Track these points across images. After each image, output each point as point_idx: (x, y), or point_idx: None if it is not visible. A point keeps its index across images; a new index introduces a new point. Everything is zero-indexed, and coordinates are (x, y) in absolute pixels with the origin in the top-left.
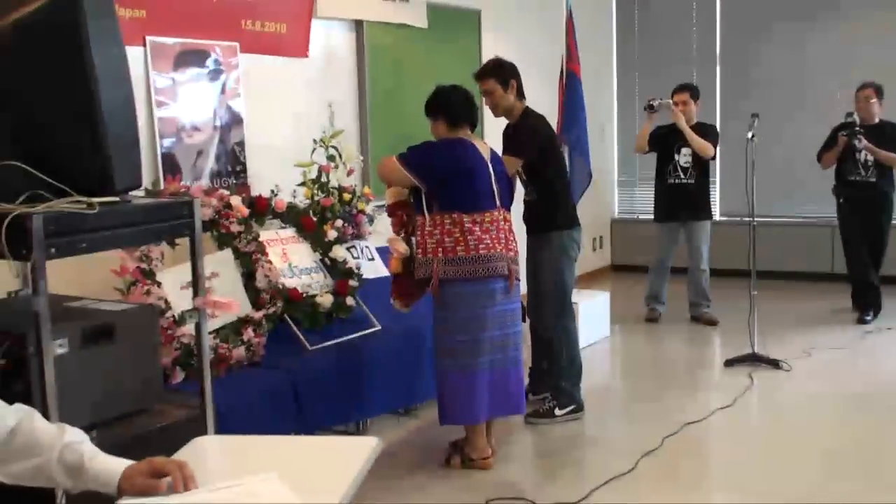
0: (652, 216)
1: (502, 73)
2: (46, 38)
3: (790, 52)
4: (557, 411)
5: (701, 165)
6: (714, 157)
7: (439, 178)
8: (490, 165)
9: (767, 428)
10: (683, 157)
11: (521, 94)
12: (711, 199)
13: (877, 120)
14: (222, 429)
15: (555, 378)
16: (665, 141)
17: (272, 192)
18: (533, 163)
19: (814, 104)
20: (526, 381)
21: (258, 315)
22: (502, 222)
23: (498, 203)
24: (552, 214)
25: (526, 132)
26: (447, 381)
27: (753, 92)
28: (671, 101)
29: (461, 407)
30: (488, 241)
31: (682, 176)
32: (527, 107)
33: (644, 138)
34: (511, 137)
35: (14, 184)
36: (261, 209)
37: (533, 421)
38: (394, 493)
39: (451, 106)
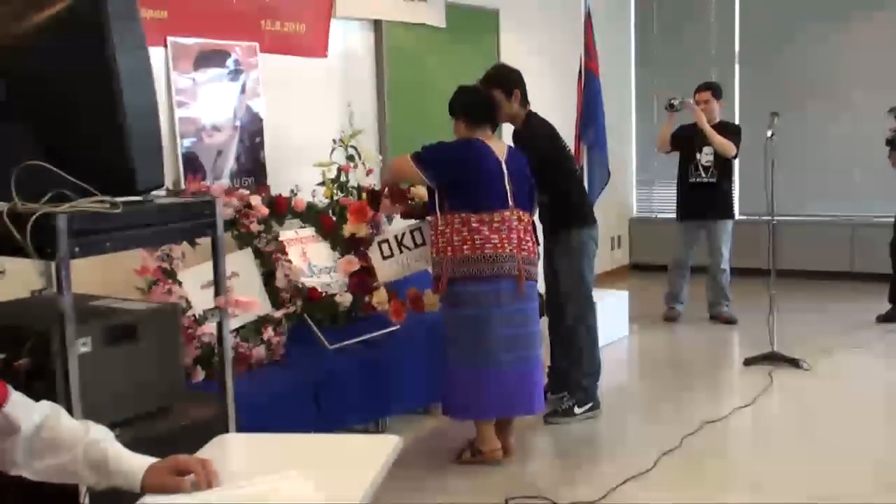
0: (670, 215)
1: (506, 83)
2: (71, 39)
3: (810, 50)
4: (577, 409)
5: (723, 164)
6: (736, 157)
7: (450, 177)
8: (505, 166)
9: (787, 427)
10: (705, 157)
11: (524, 101)
12: (733, 199)
13: None
14: (243, 427)
15: (576, 376)
16: (687, 140)
17: (292, 191)
18: (534, 167)
19: (835, 102)
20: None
21: (278, 314)
22: (515, 222)
23: (511, 203)
24: (565, 214)
25: (526, 139)
26: (454, 378)
27: (773, 91)
28: (692, 101)
29: (468, 403)
30: (496, 241)
31: (704, 175)
32: (529, 112)
33: (666, 138)
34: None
35: (38, 183)
36: (280, 209)
37: (552, 420)
38: (413, 491)
39: (471, 106)
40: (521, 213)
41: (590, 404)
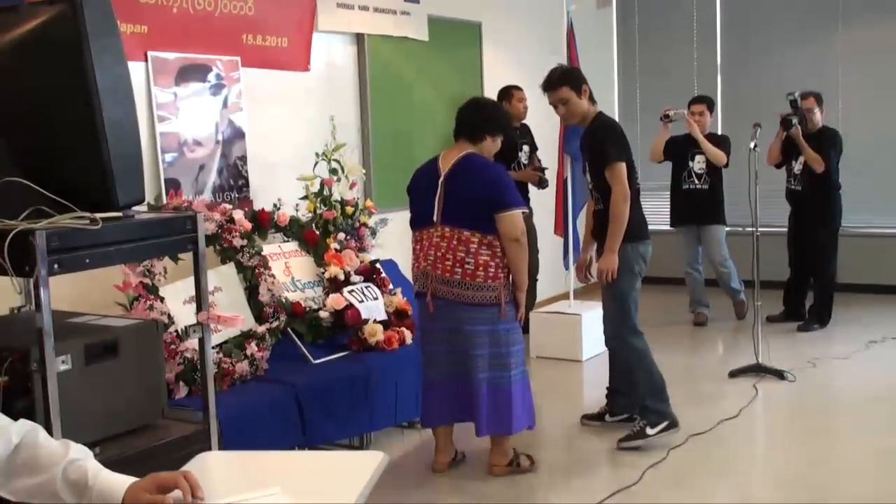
0: (655, 226)
1: (574, 79)
2: (49, 55)
3: (792, 61)
4: (649, 430)
5: (714, 172)
6: (727, 165)
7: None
8: (442, 186)
9: (773, 439)
10: (698, 164)
11: (593, 98)
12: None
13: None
14: (226, 444)
15: (638, 398)
16: (679, 149)
17: (274, 205)
18: (601, 170)
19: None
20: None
21: (261, 329)
22: (437, 239)
23: (437, 220)
24: None
25: (596, 137)
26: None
27: (754, 101)
28: (685, 112)
29: (423, 410)
30: (418, 258)
31: (697, 182)
32: (600, 111)
33: (659, 148)
34: (598, 143)
35: (17, 200)
36: (263, 223)
37: (626, 445)
38: None
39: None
40: (443, 228)
41: (665, 423)
